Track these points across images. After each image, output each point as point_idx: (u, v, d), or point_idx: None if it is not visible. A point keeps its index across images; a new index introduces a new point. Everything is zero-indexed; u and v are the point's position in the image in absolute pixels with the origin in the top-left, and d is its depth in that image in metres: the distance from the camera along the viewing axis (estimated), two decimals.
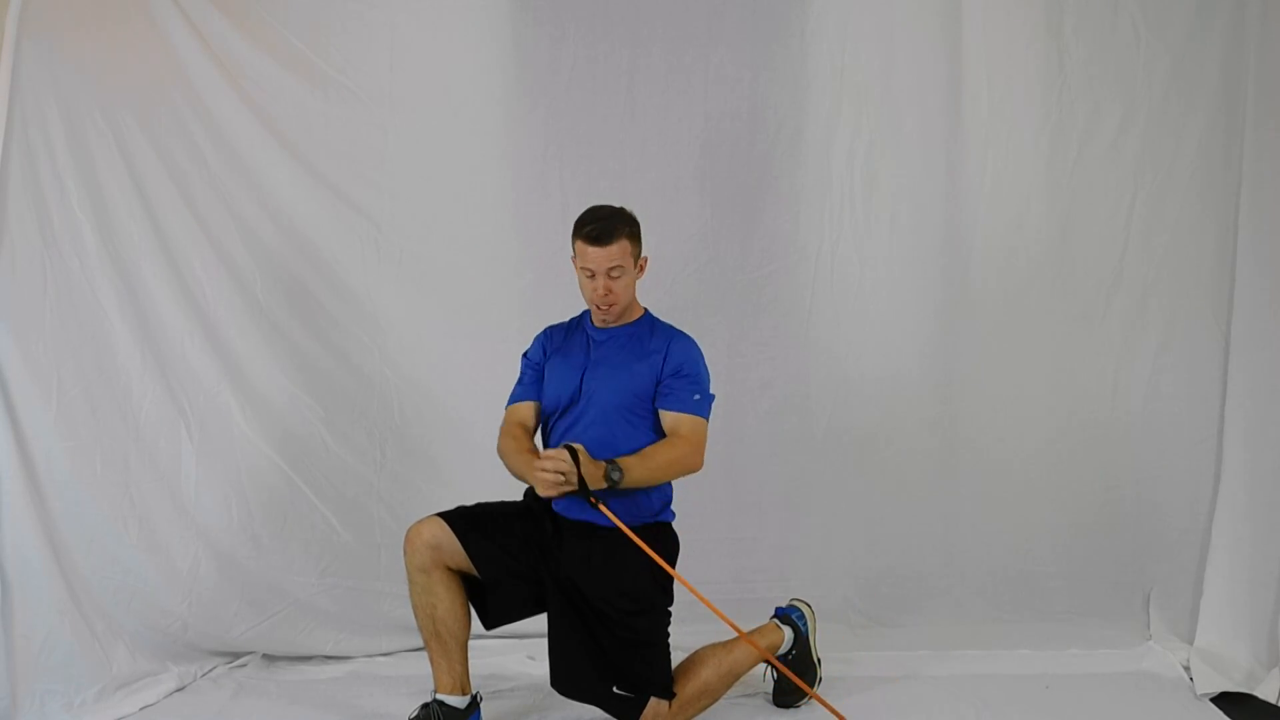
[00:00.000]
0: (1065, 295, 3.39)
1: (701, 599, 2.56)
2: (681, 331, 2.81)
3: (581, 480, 2.53)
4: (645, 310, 2.85)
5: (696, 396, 2.70)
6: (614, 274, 2.67)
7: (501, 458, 2.76)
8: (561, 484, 2.52)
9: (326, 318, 3.41)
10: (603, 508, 2.57)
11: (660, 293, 3.08)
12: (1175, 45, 3.27)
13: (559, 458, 2.53)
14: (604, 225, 2.66)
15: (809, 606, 3.04)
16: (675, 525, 2.82)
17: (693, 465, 2.69)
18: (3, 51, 2.94)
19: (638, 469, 2.60)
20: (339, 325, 3.42)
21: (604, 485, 2.56)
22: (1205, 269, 3.30)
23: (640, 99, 3.40)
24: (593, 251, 2.65)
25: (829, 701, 2.70)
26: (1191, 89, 3.27)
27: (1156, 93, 3.29)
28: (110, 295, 3.16)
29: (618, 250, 2.65)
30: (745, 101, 3.40)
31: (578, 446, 2.58)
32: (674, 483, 2.80)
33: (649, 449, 2.66)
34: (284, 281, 3.37)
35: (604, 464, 2.57)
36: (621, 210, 2.73)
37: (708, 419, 2.73)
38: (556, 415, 2.78)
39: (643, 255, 2.76)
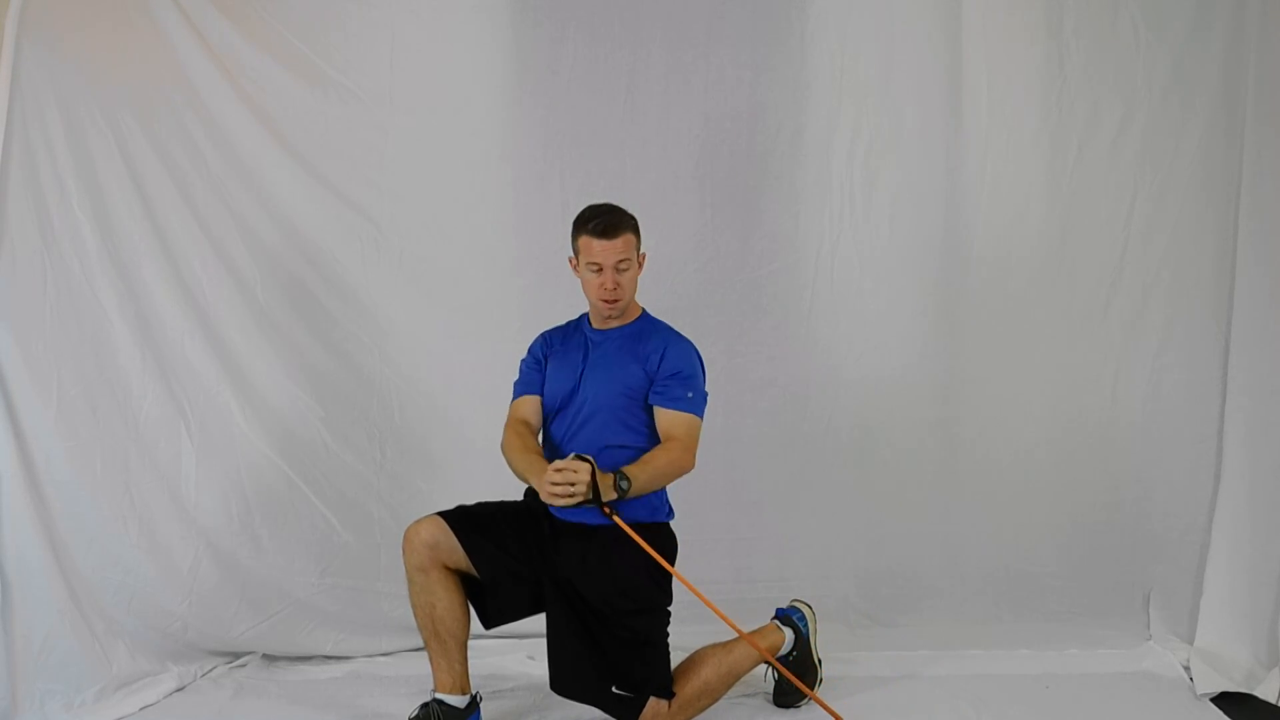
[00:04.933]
0: (1065, 295, 3.38)
1: (702, 599, 2.56)
2: (679, 334, 2.80)
3: (596, 491, 2.50)
4: (643, 310, 2.85)
5: (690, 394, 2.69)
6: (621, 267, 2.68)
7: (505, 454, 2.74)
8: (570, 495, 2.48)
9: (326, 318, 3.41)
10: (617, 519, 2.55)
11: (660, 293, 3.07)
12: (1175, 45, 3.26)
13: (571, 469, 2.49)
14: (610, 219, 2.68)
15: (809, 607, 3.04)
16: (675, 525, 2.83)
17: (686, 466, 2.69)
18: (3, 51, 2.94)
19: (641, 476, 2.59)
20: (339, 325, 3.42)
21: (614, 496, 2.54)
22: (1205, 269, 3.30)
23: (640, 99, 3.40)
24: (599, 245, 2.66)
25: (829, 703, 2.70)
26: (1191, 89, 3.27)
27: (1156, 93, 3.29)
28: (110, 295, 3.15)
29: (624, 244, 2.67)
30: (745, 101, 3.40)
31: (589, 458, 2.53)
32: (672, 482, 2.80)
33: (647, 455, 2.66)
34: (284, 281, 3.37)
35: (612, 475, 2.55)
36: (619, 207, 2.75)
37: (701, 418, 2.73)
38: (553, 416, 2.78)
39: (642, 251, 2.77)
